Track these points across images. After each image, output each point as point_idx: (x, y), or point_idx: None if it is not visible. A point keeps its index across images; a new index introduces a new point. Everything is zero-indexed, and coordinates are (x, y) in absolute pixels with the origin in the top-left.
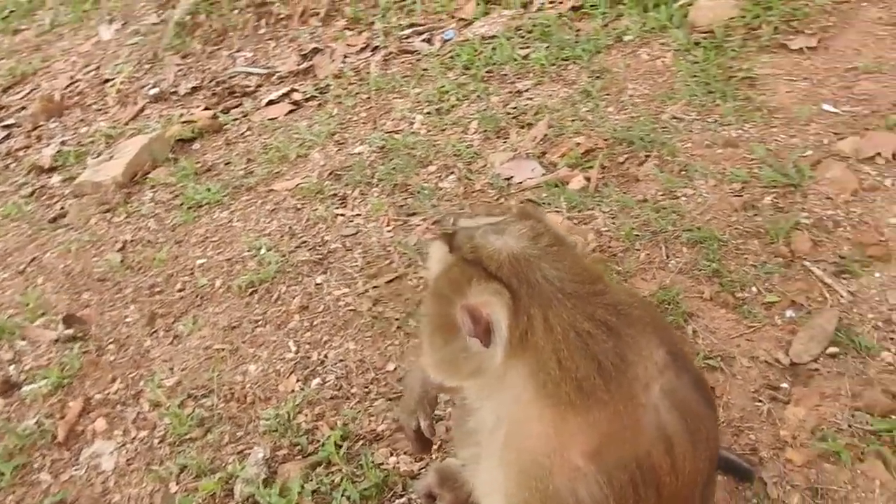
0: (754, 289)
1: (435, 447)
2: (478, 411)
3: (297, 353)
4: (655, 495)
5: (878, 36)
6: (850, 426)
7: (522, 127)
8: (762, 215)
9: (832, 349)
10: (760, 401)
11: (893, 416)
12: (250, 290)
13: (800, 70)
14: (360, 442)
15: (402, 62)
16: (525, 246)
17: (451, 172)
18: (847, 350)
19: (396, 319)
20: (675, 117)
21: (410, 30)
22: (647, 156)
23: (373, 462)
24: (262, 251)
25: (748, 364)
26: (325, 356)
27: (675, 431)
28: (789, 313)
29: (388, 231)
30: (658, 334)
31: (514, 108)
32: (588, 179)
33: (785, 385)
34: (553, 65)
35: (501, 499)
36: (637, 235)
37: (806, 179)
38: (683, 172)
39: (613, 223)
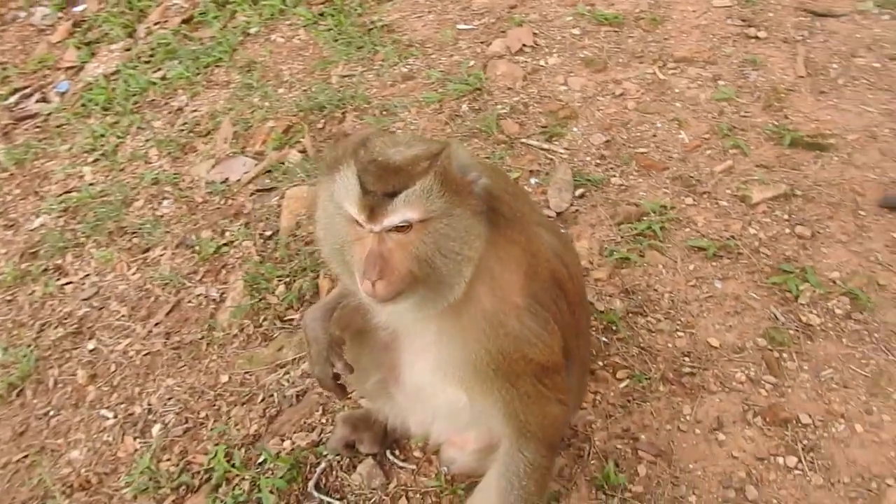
0: None
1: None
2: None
3: (116, 417)
4: (566, 301)
5: None
6: (622, 237)
7: (205, 135)
8: (468, 119)
9: (578, 191)
10: None
11: (644, 217)
12: (15, 392)
13: (421, 6)
14: (245, 448)
15: (28, 129)
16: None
17: (163, 199)
18: (588, 188)
19: (201, 338)
20: (344, 76)
21: (16, 96)
22: (343, 112)
23: (272, 454)
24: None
25: None
26: (150, 403)
27: (561, 251)
28: (533, 180)
29: (134, 274)
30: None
31: (185, 123)
32: (304, 150)
33: (563, 230)
34: (198, 75)
35: (464, 365)
36: None
37: (484, 81)
38: (386, 112)
39: None
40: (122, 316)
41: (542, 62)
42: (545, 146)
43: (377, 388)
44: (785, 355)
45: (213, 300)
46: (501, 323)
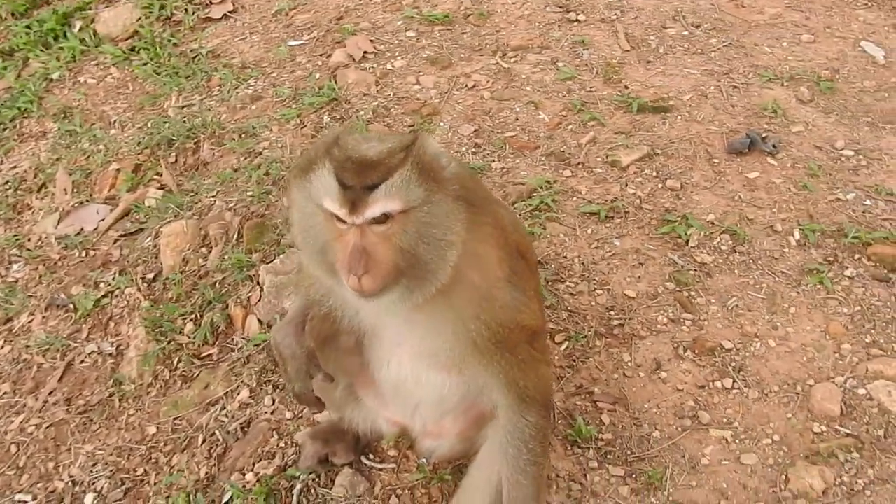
0: None
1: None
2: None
3: (36, 498)
4: (524, 262)
5: None
6: (520, 215)
7: (37, 190)
8: (334, 129)
9: None
10: None
11: (534, 194)
12: None
13: (241, 29)
14: (202, 491)
15: None
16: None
17: (11, 263)
18: None
19: (110, 396)
20: (182, 107)
21: None
22: (197, 142)
23: (239, 488)
24: None
25: None
26: (71, 475)
27: (516, 223)
28: None
29: (2, 348)
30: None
31: (7, 182)
32: (164, 186)
33: None
34: (5, 129)
35: (463, 345)
36: (261, 186)
37: (339, 91)
38: (245, 134)
39: (230, 197)
40: (6, 393)
41: (388, 66)
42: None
43: (344, 396)
44: (693, 293)
45: (110, 355)
46: (494, 296)
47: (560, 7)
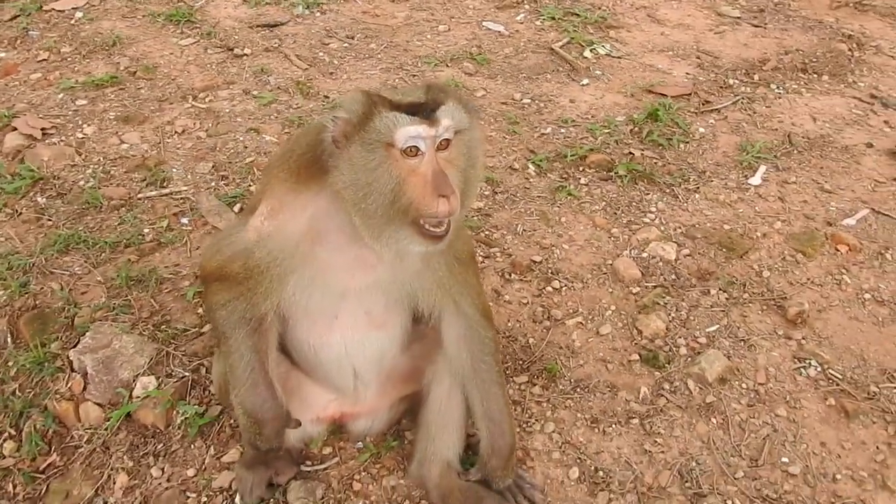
0: None
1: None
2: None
3: None
4: None
5: None
6: None
7: None
8: (50, 207)
9: (236, 208)
10: None
11: None
12: None
13: None
14: None
15: None
16: None
17: None
18: (241, 201)
19: None
20: None
21: None
22: None
23: None
24: None
25: None
26: None
27: None
28: (185, 219)
29: None
30: None
31: None
32: None
33: None
34: None
35: (448, 277)
36: (11, 280)
37: (40, 170)
38: None
39: None
40: None
41: (80, 134)
42: (166, 191)
43: None
44: (487, 233)
45: None
46: (461, 226)
47: (221, 48)
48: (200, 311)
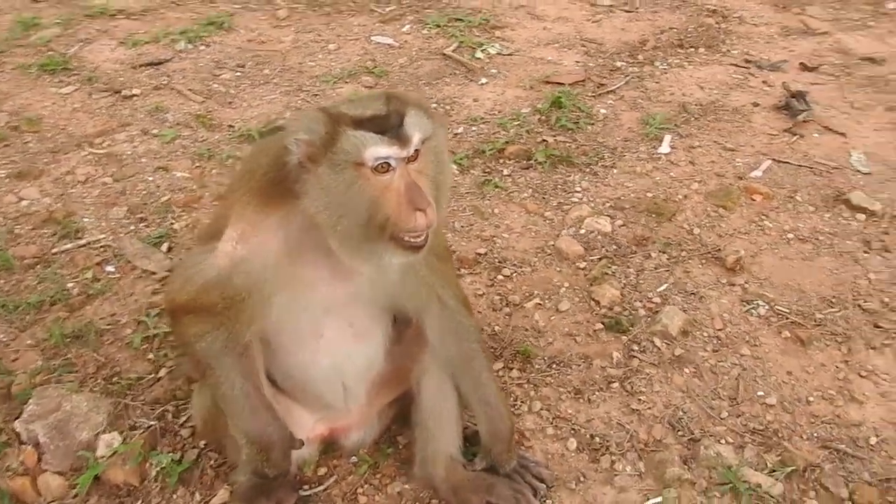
0: None
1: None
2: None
3: None
4: None
5: None
6: None
7: None
8: None
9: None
10: None
11: None
12: None
13: None
14: None
15: None
16: None
17: None
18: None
19: None
20: None
21: None
22: None
23: None
24: None
25: None
26: None
27: None
28: (109, 267)
29: None
30: None
31: None
32: None
33: None
34: None
35: (431, 276)
36: None
37: None
38: None
39: None
40: None
41: None
42: (83, 242)
43: None
44: None
45: None
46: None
47: (106, 91)
48: (152, 356)
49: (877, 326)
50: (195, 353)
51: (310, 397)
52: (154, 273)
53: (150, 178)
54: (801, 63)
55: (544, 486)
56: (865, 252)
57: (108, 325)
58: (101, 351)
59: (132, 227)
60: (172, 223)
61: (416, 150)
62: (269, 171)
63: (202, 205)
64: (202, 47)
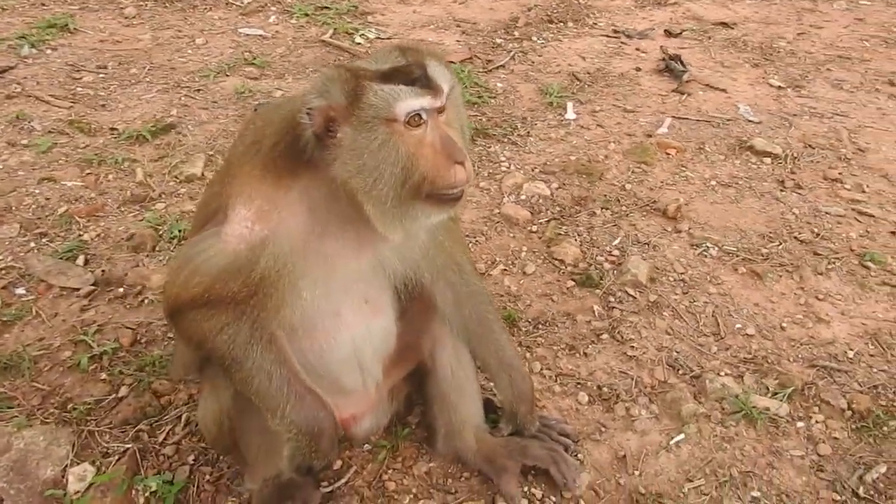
0: None
1: None
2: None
3: None
4: None
5: None
6: None
7: None
8: None
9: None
10: None
11: None
12: None
13: None
14: None
15: None
16: None
17: None
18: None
19: None
20: None
21: None
22: None
23: None
24: None
25: None
26: None
27: None
28: None
29: None
30: None
31: None
32: None
33: None
34: None
35: (451, 243)
36: None
37: None
38: None
39: None
40: None
41: None
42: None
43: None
44: None
45: None
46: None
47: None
48: (104, 376)
49: (816, 254)
50: (213, 349)
51: (325, 383)
52: (77, 289)
53: (37, 191)
54: (665, 30)
55: (570, 441)
56: (782, 191)
57: (40, 350)
58: (40, 379)
59: (32, 245)
60: (80, 234)
61: (445, 100)
62: (280, 142)
63: (107, 212)
64: (48, 51)
